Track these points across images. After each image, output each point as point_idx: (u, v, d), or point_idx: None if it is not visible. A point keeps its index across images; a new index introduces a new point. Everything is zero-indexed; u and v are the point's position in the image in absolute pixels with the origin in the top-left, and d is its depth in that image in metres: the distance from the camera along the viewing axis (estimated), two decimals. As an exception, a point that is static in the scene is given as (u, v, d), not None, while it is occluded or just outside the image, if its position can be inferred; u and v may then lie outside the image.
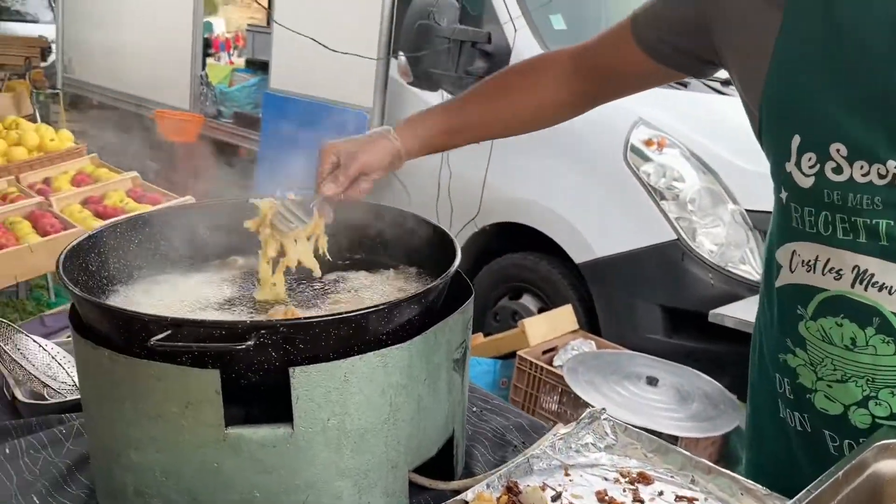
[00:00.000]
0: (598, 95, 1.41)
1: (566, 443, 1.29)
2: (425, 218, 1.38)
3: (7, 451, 1.27)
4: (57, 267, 1.09)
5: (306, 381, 0.99)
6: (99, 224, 1.13)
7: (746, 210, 3.09)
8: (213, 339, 0.95)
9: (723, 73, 4.13)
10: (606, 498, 1.17)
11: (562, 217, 3.27)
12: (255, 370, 0.99)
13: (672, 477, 1.23)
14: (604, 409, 1.37)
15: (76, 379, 1.67)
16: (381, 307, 1.02)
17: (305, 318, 0.97)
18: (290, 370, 0.98)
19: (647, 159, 3.12)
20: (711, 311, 2.76)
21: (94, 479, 1.19)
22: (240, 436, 0.99)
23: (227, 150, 4.74)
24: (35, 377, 1.55)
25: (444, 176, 3.68)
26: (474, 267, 3.76)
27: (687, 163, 3.13)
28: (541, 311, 3.42)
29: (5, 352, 1.56)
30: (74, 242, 1.19)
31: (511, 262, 3.61)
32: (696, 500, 1.17)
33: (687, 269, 3.00)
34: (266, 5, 7.86)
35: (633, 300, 3.11)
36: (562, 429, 1.31)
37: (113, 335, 1.02)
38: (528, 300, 3.53)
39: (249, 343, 0.90)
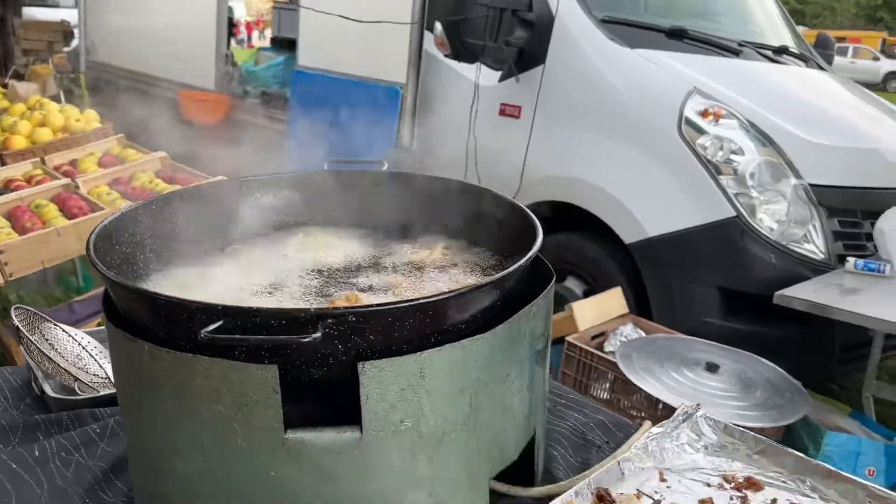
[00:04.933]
0: None
1: (659, 444, 1.14)
2: (485, 187, 1.22)
3: (36, 453, 1.15)
4: (88, 249, 0.95)
5: (378, 378, 0.85)
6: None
7: (810, 185, 2.89)
8: (273, 330, 0.80)
9: (772, 40, 3.84)
10: (714, 508, 1.01)
11: (609, 194, 3.10)
12: (319, 365, 0.85)
13: (784, 482, 1.08)
14: (699, 404, 1.22)
15: (109, 371, 1.55)
16: (466, 291, 0.88)
17: (378, 306, 0.82)
18: (360, 365, 0.84)
19: (702, 132, 2.93)
20: (777, 293, 2.58)
21: (132, 485, 1.06)
22: (301, 441, 0.86)
23: (254, 130, 4.60)
24: (64, 370, 1.43)
25: (477, 151, 3.52)
26: (514, 248, 3.60)
27: (745, 135, 2.93)
28: (586, 294, 3.26)
29: (31, 342, 1.44)
30: (106, 221, 1.05)
31: (554, 244, 3.44)
32: (820, 510, 1.02)
33: (746, 249, 2.82)
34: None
35: (687, 282, 2.93)
36: (654, 428, 1.16)
37: (154, 326, 0.89)
38: (572, 283, 3.37)
39: (316, 335, 0.76)
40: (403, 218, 1.30)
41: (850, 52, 26.61)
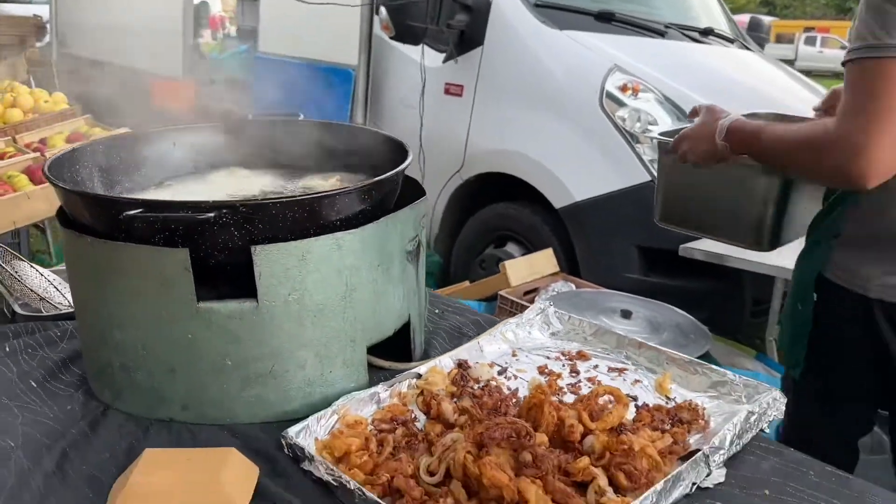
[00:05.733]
0: None
1: (515, 331, 1.41)
2: (378, 130, 1.49)
3: (7, 349, 1.40)
4: (43, 169, 1.20)
5: (267, 259, 1.11)
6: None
7: (719, 151, 3.17)
8: (180, 216, 1.06)
9: (701, 23, 4.11)
10: (546, 370, 1.29)
11: (542, 164, 3.37)
12: (221, 249, 1.11)
13: (608, 354, 1.36)
14: (550, 302, 1.49)
15: (70, 299, 1.80)
16: (334, 192, 1.14)
17: (263, 199, 1.08)
18: (253, 248, 1.10)
19: (622, 104, 3.21)
20: (682, 246, 2.86)
21: (85, 367, 1.31)
22: (210, 309, 1.12)
23: (218, 113, 4.83)
24: (32, 292, 1.67)
25: (426, 129, 3.79)
26: (461, 218, 3.87)
27: (661, 107, 3.22)
28: (524, 256, 3.53)
29: (4, 269, 1.68)
30: (60, 153, 1.30)
31: (495, 212, 3.73)
32: (627, 370, 1.30)
33: (661, 209, 3.09)
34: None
35: (610, 241, 3.22)
36: (511, 319, 1.43)
37: (93, 223, 1.14)
38: (512, 248, 3.65)
39: (210, 215, 1.02)
40: (314, 158, 1.56)
41: (819, 41, 27.16)
